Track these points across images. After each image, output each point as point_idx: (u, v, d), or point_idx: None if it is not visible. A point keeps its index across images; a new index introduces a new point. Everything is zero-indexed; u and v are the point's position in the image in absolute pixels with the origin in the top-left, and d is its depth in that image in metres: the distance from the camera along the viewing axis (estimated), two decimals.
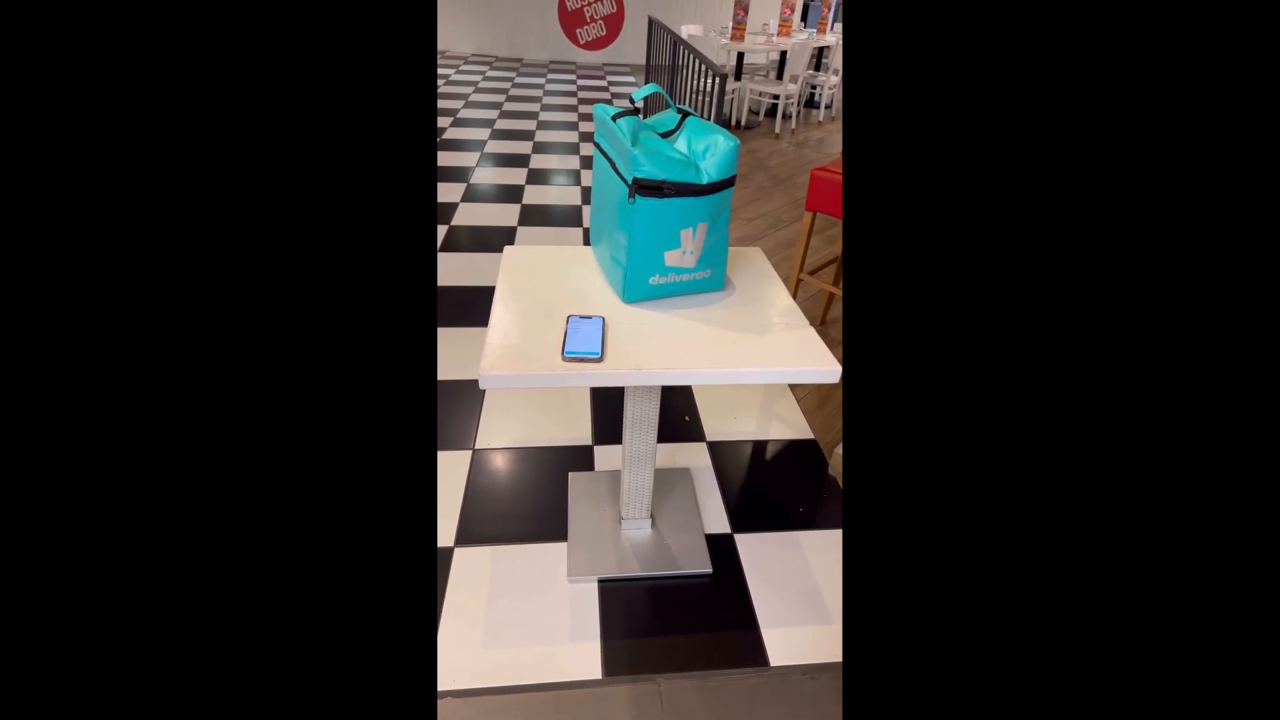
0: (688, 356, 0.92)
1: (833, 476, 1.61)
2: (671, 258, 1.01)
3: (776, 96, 4.98)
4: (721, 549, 1.38)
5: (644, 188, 0.93)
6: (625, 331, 0.97)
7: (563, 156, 3.92)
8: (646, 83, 4.38)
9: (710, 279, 1.07)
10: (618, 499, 1.42)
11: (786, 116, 5.21)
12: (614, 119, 0.97)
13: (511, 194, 3.25)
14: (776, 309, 1.06)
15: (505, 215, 3.00)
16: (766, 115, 5.41)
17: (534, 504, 1.45)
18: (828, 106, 5.73)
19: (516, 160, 3.77)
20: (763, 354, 0.94)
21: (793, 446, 1.69)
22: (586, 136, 4.36)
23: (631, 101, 1.02)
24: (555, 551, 1.35)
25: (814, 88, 5.65)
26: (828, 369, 0.93)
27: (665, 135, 1.00)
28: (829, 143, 4.71)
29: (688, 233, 0.99)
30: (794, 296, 1.98)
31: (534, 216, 3.01)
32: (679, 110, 1.03)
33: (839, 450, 1.59)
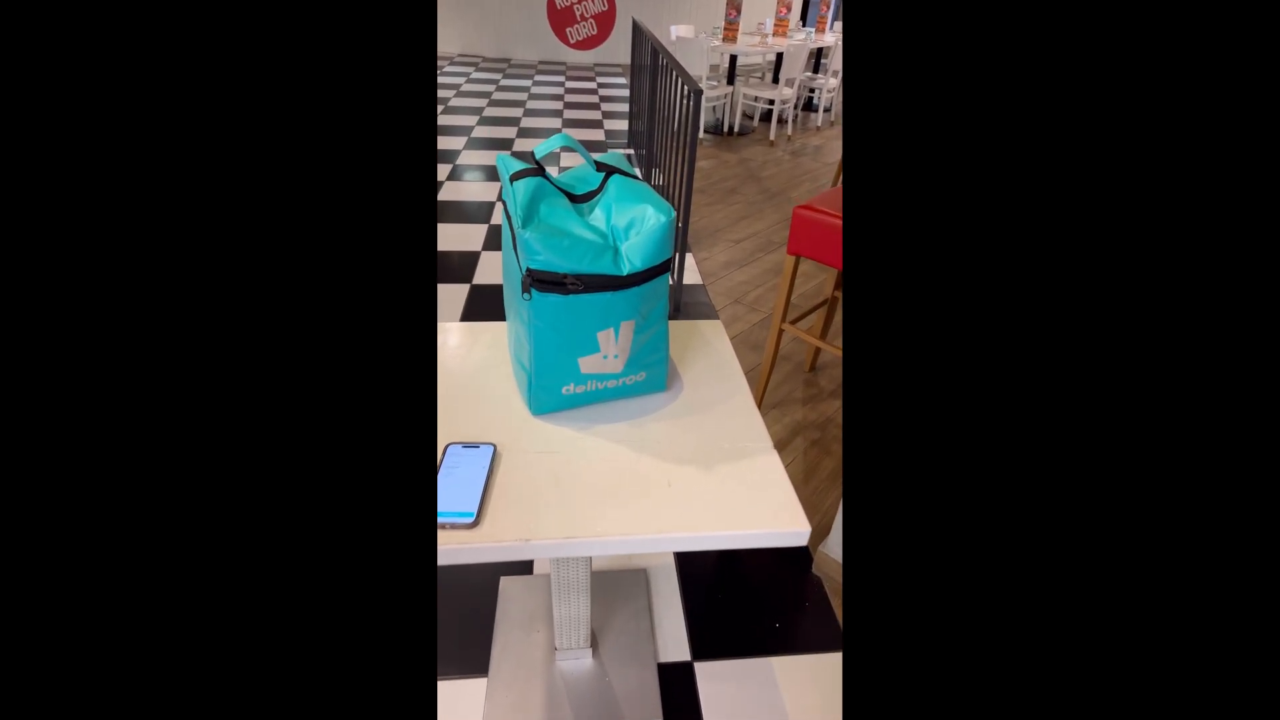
0: (601, 511, 0.67)
1: (817, 577, 1.36)
2: (589, 364, 0.76)
3: (772, 101, 4.72)
4: (678, 684, 1.14)
5: (541, 281, 0.68)
6: (523, 467, 0.72)
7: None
8: (633, 84, 4.12)
9: (646, 382, 0.82)
10: None
11: (782, 122, 4.94)
12: (511, 179, 0.72)
13: (484, 213, 3.01)
14: (733, 423, 0.81)
15: (471, 235, 2.76)
16: (761, 120, 5.15)
17: (454, 618, 1.20)
18: (826, 110, 5.46)
19: (491, 174, 3.52)
20: (706, 505, 0.69)
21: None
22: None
23: (533, 158, 0.77)
24: (471, 692, 1.10)
25: (812, 91, 5.38)
26: (791, 529, 0.68)
27: (580, 199, 0.75)
28: (827, 150, 4.44)
29: (607, 335, 0.74)
30: (775, 351, 1.72)
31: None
32: (600, 168, 0.78)
33: (825, 544, 1.34)
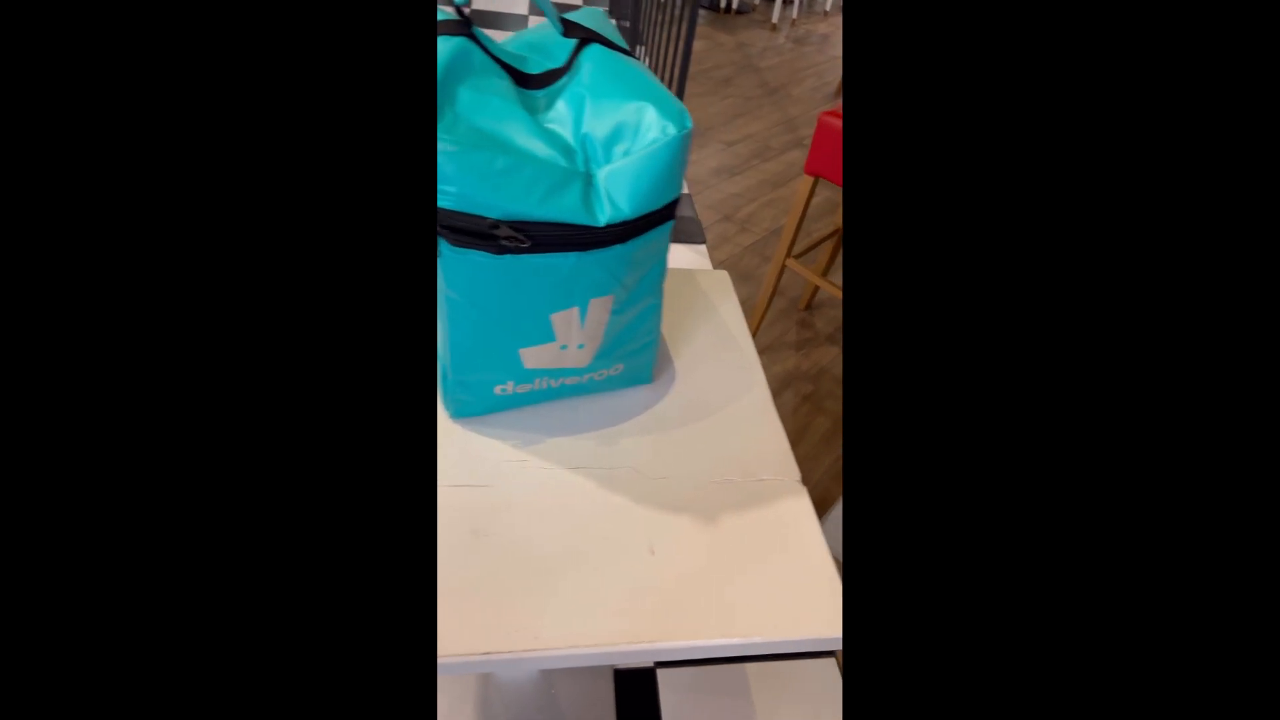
0: (542, 601, 0.43)
1: None
2: (536, 356, 0.49)
3: None
4: (637, 693, 0.98)
5: (456, 230, 0.40)
6: None
7: None
8: None
9: (624, 375, 0.56)
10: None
11: (787, 2, 4.35)
12: None
13: None
14: (745, 437, 0.55)
15: None
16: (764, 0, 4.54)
17: None
18: None
19: None
20: (704, 590, 0.45)
21: None
22: None
23: (454, 3, 0.44)
24: None
25: None
26: (827, 633, 0.46)
27: (534, 83, 0.45)
28: (834, 41, 3.95)
29: (567, 317, 0.47)
30: (774, 288, 1.46)
31: None
32: (569, 30, 0.46)
33: (825, 523, 1.15)
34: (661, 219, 0.44)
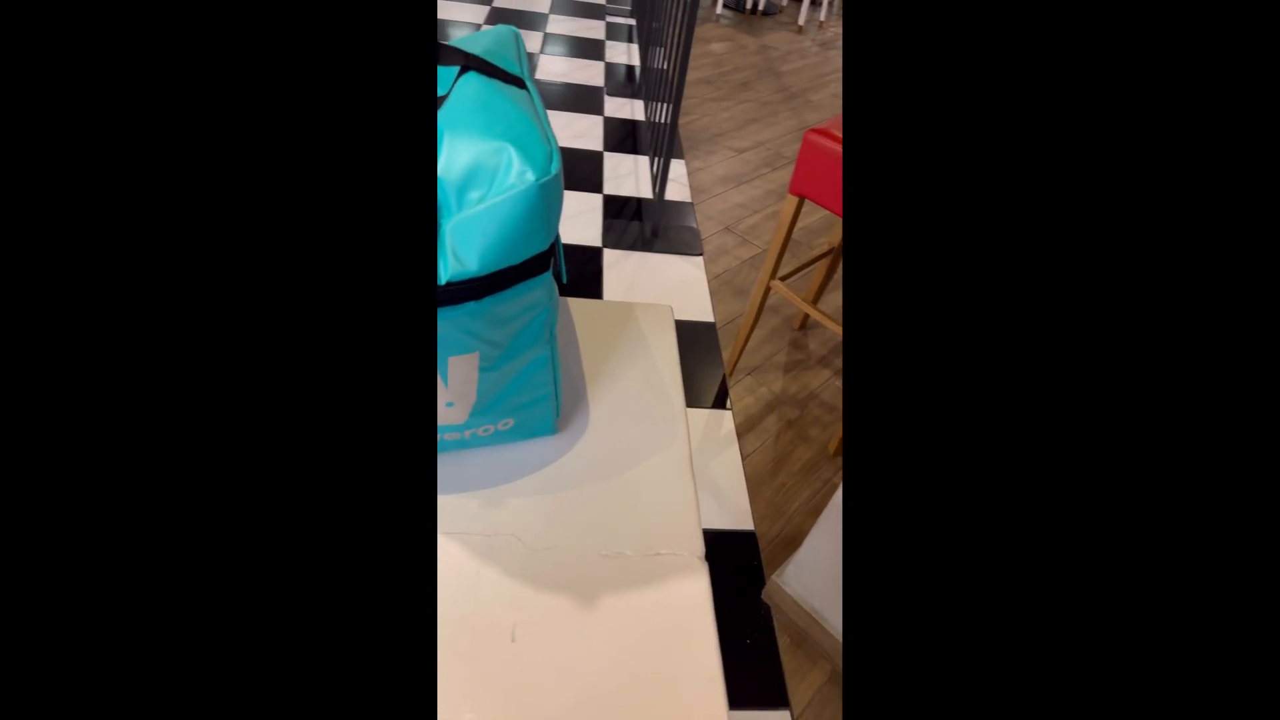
0: None
1: (766, 605, 1.13)
2: None
3: None
4: None
5: None
6: None
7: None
8: None
9: (519, 428, 0.51)
10: None
11: (816, 3, 4.24)
12: None
13: None
14: (654, 502, 0.50)
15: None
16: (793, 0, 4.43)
17: None
18: None
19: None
20: (563, 701, 0.39)
21: (720, 541, 1.20)
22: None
23: None
24: None
25: None
26: None
27: None
28: None
29: None
30: (759, 310, 1.40)
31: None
32: (444, 54, 0.41)
33: (783, 573, 1.09)
34: (526, 274, 0.39)
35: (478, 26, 3.09)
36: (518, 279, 0.38)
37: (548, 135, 0.38)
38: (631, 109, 2.56)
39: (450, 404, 0.44)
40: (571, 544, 0.48)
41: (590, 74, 2.84)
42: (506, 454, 0.52)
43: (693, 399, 1.41)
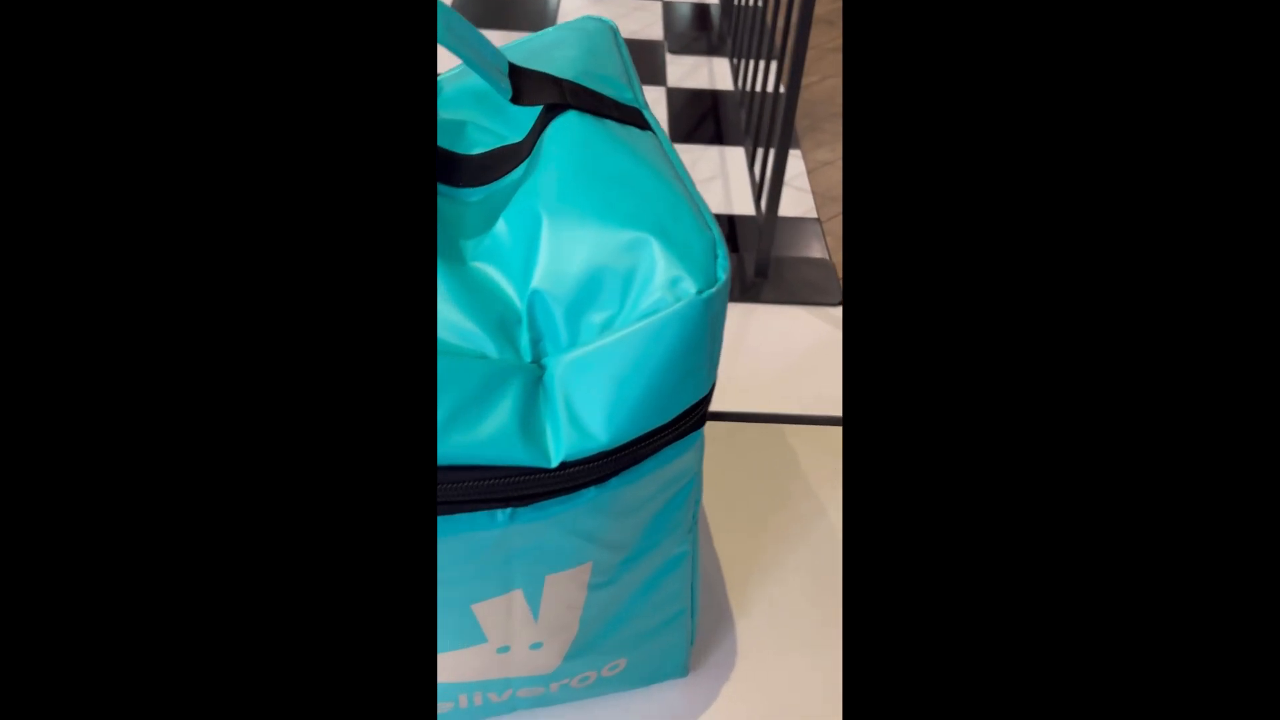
0: None
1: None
2: (456, 665, 0.27)
3: None
4: None
5: None
6: None
7: None
8: None
9: (632, 672, 0.33)
10: None
11: None
12: None
13: None
14: None
15: None
16: None
17: None
18: None
19: None
20: None
21: None
22: None
23: None
24: None
25: None
26: None
27: (470, 178, 0.26)
28: None
29: (499, 606, 0.25)
30: None
31: None
32: (518, 82, 0.26)
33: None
34: (677, 434, 0.24)
35: None
36: (664, 443, 0.24)
37: (702, 213, 0.25)
38: (710, 73, 1.32)
39: (537, 644, 0.28)
40: None
41: (642, 21, 1.51)
42: (608, 712, 0.34)
43: None
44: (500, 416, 0.22)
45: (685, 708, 0.35)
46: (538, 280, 0.23)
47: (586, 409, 0.22)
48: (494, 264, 0.24)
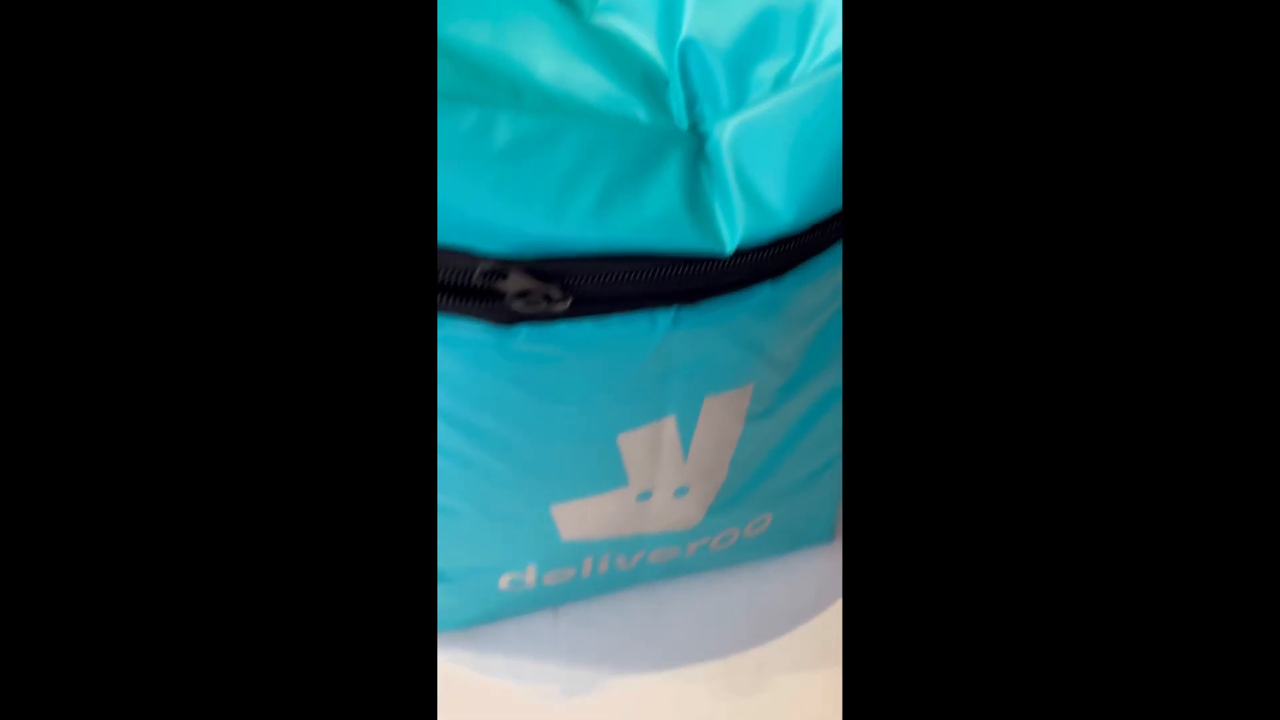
0: None
1: None
2: (587, 516, 0.24)
3: None
4: None
5: (449, 289, 0.17)
6: None
7: None
8: None
9: (775, 533, 0.29)
10: None
11: None
12: None
13: None
14: None
15: None
16: None
17: None
18: None
19: None
20: None
21: None
22: None
23: None
24: None
25: None
26: None
27: None
28: None
29: (649, 437, 0.22)
30: None
31: None
32: None
33: None
34: (839, 231, 0.20)
35: None
36: (834, 239, 0.20)
37: None
38: None
39: (683, 489, 0.25)
40: None
41: None
42: (748, 590, 0.31)
43: None
44: (665, 192, 0.17)
45: (836, 577, 0.31)
46: (688, 29, 0.19)
47: (764, 184, 0.18)
48: (622, 17, 0.20)
